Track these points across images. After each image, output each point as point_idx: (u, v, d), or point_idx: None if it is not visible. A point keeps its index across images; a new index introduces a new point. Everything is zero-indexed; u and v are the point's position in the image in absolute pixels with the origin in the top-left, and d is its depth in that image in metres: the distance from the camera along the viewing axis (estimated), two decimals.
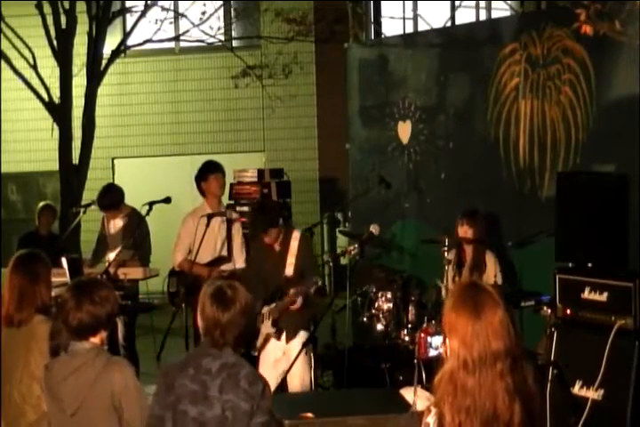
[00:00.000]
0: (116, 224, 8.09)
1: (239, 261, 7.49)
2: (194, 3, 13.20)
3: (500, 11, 9.50)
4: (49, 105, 11.94)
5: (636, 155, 6.25)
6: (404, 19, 9.80)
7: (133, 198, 8.19)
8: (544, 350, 5.81)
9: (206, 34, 12.84)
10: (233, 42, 13.50)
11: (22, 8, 12.41)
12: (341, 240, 12.32)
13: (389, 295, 7.26)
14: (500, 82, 7.63)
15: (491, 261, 6.99)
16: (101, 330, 3.99)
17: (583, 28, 6.21)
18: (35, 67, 11.98)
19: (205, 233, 7.10)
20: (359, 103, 9.42)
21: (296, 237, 6.65)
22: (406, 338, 6.99)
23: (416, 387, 4.37)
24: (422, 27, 9.60)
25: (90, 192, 10.43)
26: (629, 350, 5.19)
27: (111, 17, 12.18)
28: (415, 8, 9.82)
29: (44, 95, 11.89)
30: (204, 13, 12.91)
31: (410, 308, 7.12)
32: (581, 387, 5.36)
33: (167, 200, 7.44)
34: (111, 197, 8.03)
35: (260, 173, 10.72)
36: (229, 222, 7.51)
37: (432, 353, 6.29)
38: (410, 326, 7.04)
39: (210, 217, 7.21)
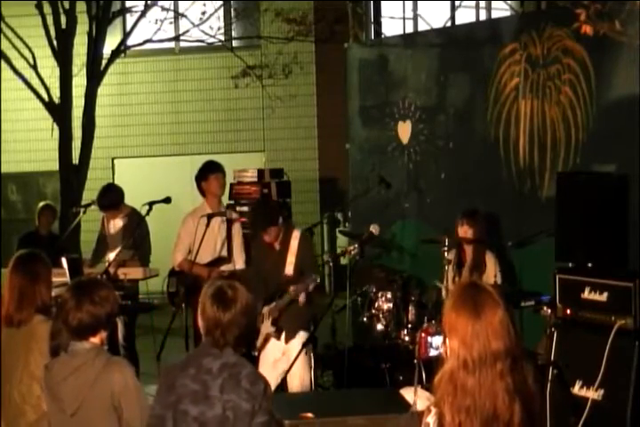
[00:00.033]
0: (116, 224, 8.10)
1: (239, 262, 7.50)
2: (194, 3, 13.20)
3: (500, 11, 9.49)
4: (49, 105, 11.94)
5: (636, 155, 6.25)
6: (404, 19, 9.79)
7: (133, 198, 8.18)
8: (544, 350, 5.81)
9: (206, 34, 12.84)
10: (233, 42, 13.51)
11: (22, 8, 12.41)
12: (341, 240, 12.32)
13: (389, 295, 7.26)
14: (500, 82, 7.63)
15: (491, 262, 6.99)
16: (101, 330, 3.99)
17: (583, 28, 6.21)
18: (35, 67, 11.98)
19: (205, 233, 7.10)
20: (359, 103, 9.42)
21: (296, 236, 6.65)
22: (406, 338, 6.99)
23: (416, 387, 4.36)
24: (422, 27, 9.60)
25: (90, 192, 10.43)
26: (629, 350, 5.19)
27: (111, 17, 12.18)
28: (415, 8, 9.81)
29: (44, 95, 11.89)
30: (204, 13, 12.91)
31: (410, 308, 7.12)
32: (581, 387, 5.36)
33: (167, 200, 7.43)
34: (111, 197, 8.04)
35: (260, 173, 10.72)
36: (229, 222, 7.51)
37: (432, 353, 6.30)
38: (410, 326, 7.04)
39: (210, 217, 7.21)
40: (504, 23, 8.00)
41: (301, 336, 6.50)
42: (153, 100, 14.52)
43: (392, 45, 9.22)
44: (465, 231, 6.99)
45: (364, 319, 7.37)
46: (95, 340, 3.97)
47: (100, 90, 12.19)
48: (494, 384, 3.10)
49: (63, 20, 11.78)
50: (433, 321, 6.60)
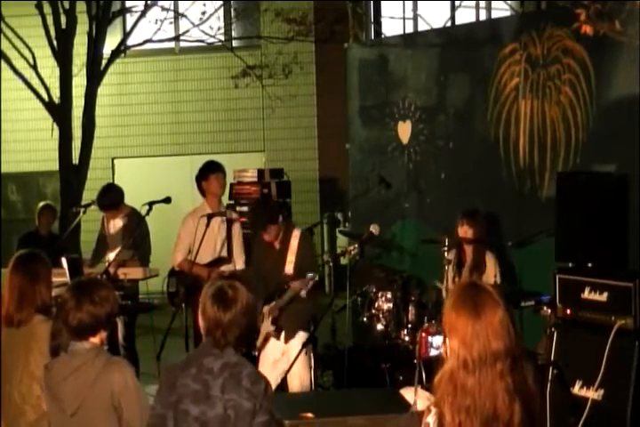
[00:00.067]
0: (116, 224, 8.10)
1: (239, 262, 7.50)
2: (194, 3, 13.20)
3: (500, 11, 9.49)
4: (49, 105, 11.94)
5: (636, 155, 6.25)
6: (404, 19, 9.79)
7: (133, 198, 8.18)
8: (544, 350, 5.81)
9: (206, 34, 12.84)
10: (233, 42, 13.51)
11: (22, 8, 12.41)
12: (341, 240, 12.32)
13: (389, 295, 7.26)
14: (500, 82, 7.63)
15: (491, 262, 6.99)
16: (101, 330, 3.99)
17: (583, 28, 6.21)
18: (35, 67, 11.98)
19: (205, 233, 7.10)
20: (359, 103, 9.42)
21: (296, 235, 6.66)
22: (406, 338, 6.99)
23: (416, 387, 4.36)
24: (422, 27, 9.60)
25: (90, 192, 10.43)
26: (629, 350, 5.19)
27: (111, 17, 12.18)
28: (415, 8, 9.81)
29: (44, 95, 11.89)
30: (204, 13, 12.91)
31: (410, 308, 7.12)
32: (581, 387, 5.36)
33: (167, 200, 7.43)
34: (111, 197, 8.04)
35: (260, 173, 10.73)
36: (229, 222, 7.50)
37: (433, 353, 6.29)
38: (410, 326, 7.04)
39: (210, 217, 7.21)
40: (504, 23, 8.00)
41: (301, 336, 6.51)
42: (153, 100, 14.52)
43: (392, 45, 9.22)
44: (465, 231, 6.99)
45: (364, 319, 7.37)
46: (95, 340, 3.97)
47: (100, 90, 12.19)
48: (494, 384, 3.10)
49: (63, 20, 11.78)
50: (433, 321, 6.60)
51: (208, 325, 3.63)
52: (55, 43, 11.83)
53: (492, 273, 6.94)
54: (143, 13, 12.47)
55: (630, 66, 6.45)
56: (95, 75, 12.00)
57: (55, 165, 12.14)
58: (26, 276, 4.59)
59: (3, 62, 12.01)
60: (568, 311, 5.63)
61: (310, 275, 6.23)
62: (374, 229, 7.04)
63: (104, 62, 12.09)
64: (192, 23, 12.79)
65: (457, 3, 9.37)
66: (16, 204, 15.02)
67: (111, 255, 7.92)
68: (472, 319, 3.13)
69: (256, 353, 6.52)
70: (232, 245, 7.50)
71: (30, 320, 4.53)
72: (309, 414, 4.68)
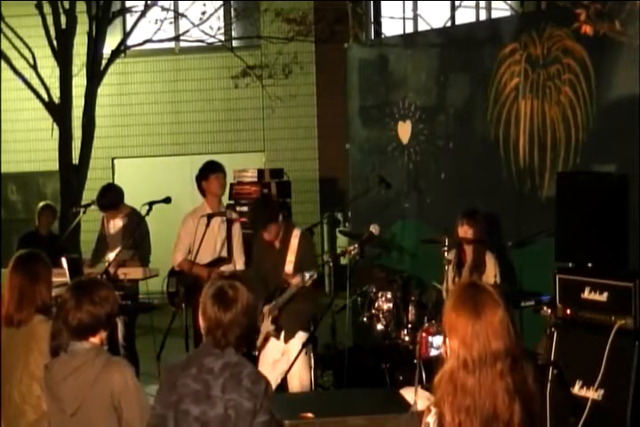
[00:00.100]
0: (116, 224, 8.10)
1: (239, 263, 7.50)
2: (194, 3, 13.20)
3: (500, 11, 9.49)
4: (49, 105, 11.93)
5: (636, 155, 6.25)
6: (404, 19, 9.79)
7: (133, 198, 8.18)
8: (544, 350, 5.81)
9: (206, 34, 12.84)
10: (233, 42, 13.50)
11: (22, 8, 12.41)
12: (341, 240, 12.32)
13: (389, 295, 7.25)
14: (500, 82, 7.63)
15: (490, 262, 6.99)
16: (101, 330, 3.99)
17: (583, 28, 6.21)
18: (35, 67, 11.97)
19: (205, 233, 7.10)
20: (359, 103, 9.42)
21: (296, 234, 6.67)
22: (406, 338, 6.99)
23: (417, 387, 4.36)
24: (422, 27, 9.60)
25: (90, 192, 10.43)
26: (629, 350, 5.19)
27: (111, 17, 12.18)
28: (415, 8, 9.81)
29: (44, 95, 11.89)
30: (204, 13, 12.91)
31: (410, 308, 7.12)
32: (581, 387, 5.36)
33: (167, 200, 7.43)
34: (111, 197, 8.04)
35: (260, 173, 10.73)
36: (229, 222, 7.50)
37: (433, 353, 6.29)
38: (410, 326, 7.04)
39: (210, 217, 7.21)
40: (504, 23, 8.00)
41: (301, 337, 6.51)
42: (153, 100, 14.52)
43: (392, 45, 9.22)
44: (465, 231, 6.99)
45: (364, 319, 7.36)
46: (95, 340, 3.97)
47: (100, 90, 12.19)
48: (494, 384, 3.10)
49: (63, 20, 11.78)
50: (433, 321, 6.59)
51: (208, 325, 3.63)
52: (55, 43, 11.83)
53: (491, 273, 6.94)
54: (143, 13, 12.47)
55: (630, 66, 6.45)
56: (95, 75, 11.99)
57: (55, 165, 12.14)
58: (26, 276, 4.60)
59: (3, 62, 12.01)
60: (568, 311, 5.63)
61: (308, 273, 6.23)
62: (374, 229, 7.04)
63: (104, 62, 12.09)
64: (192, 23, 12.79)
65: (457, 3, 9.37)
66: (16, 204, 15.02)
67: (111, 255, 7.91)
68: (472, 319, 3.13)
69: (256, 353, 6.52)
70: (232, 246, 7.50)
71: (30, 320, 4.53)
72: (309, 414, 4.68)
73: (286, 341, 6.58)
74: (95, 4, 11.97)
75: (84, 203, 9.06)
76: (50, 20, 11.79)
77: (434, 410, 3.18)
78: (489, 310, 3.14)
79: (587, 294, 5.52)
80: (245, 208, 9.85)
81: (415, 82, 8.69)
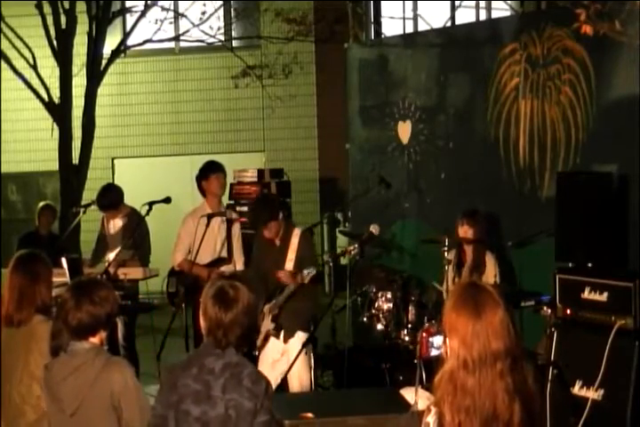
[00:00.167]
0: (116, 224, 8.10)
1: (239, 263, 7.50)
2: (194, 3, 13.20)
3: (500, 11, 9.49)
4: (49, 105, 11.93)
5: (637, 155, 6.25)
6: (404, 19, 9.79)
7: (133, 198, 8.18)
8: (544, 350, 5.81)
9: (206, 34, 12.84)
10: (233, 42, 13.50)
11: (22, 8, 12.41)
12: (341, 240, 12.32)
13: (389, 295, 7.25)
14: (500, 82, 7.63)
15: (490, 262, 6.99)
16: (101, 330, 3.99)
17: (583, 28, 6.21)
18: (35, 67, 11.97)
19: (205, 233, 7.10)
20: (359, 103, 9.42)
21: (297, 233, 6.68)
22: (406, 338, 6.99)
23: (417, 387, 4.37)
24: (422, 27, 9.60)
25: (90, 192, 10.43)
26: (629, 350, 5.19)
27: (111, 17, 12.18)
28: (415, 8, 9.81)
29: (44, 95, 11.89)
30: (204, 13, 12.91)
31: (410, 308, 7.12)
32: (581, 387, 5.36)
33: (167, 200, 7.43)
34: (110, 197, 8.04)
35: (260, 173, 10.73)
36: (229, 222, 7.51)
37: (434, 353, 6.29)
38: (410, 326, 7.04)
39: (210, 217, 7.21)
40: (504, 23, 8.00)
41: (300, 337, 6.51)
42: (153, 100, 14.52)
43: (392, 45, 9.22)
44: (465, 231, 6.99)
45: (364, 319, 7.36)
46: (95, 340, 3.97)
47: (100, 90, 12.19)
48: (494, 384, 3.10)
49: (63, 20, 11.78)
50: (433, 321, 6.59)
51: (209, 325, 3.63)
52: (55, 43, 11.83)
53: (491, 273, 6.94)
54: (143, 13, 12.46)
55: (630, 66, 6.45)
56: (95, 75, 11.99)
57: (55, 165, 12.13)
58: (26, 276, 4.59)
59: (3, 62, 12.00)
60: (568, 311, 5.63)
61: (306, 270, 6.22)
62: (374, 229, 7.04)
63: (104, 62, 12.09)
64: (192, 23, 12.79)
65: (457, 3, 9.37)
66: (16, 204, 15.01)
67: (111, 255, 7.91)
68: (472, 319, 3.13)
69: (256, 353, 6.52)
70: (232, 246, 7.50)
71: (30, 320, 4.53)
72: (309, 414, 4.68)
73: (285, 340, 6.58)
74: (95, 4, 11.97)
75: (84, 203, 9.05)
76: (50, 20, 11.79)
77: (434, 410, 3.18)
78: (489, 310, 3.14)
79: (587, 294, 5.52)
80: (245, 208, 9.85)
81: (415, 82, 8.69)
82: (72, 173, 11.84)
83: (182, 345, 7.16)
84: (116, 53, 12.28)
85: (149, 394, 4.15)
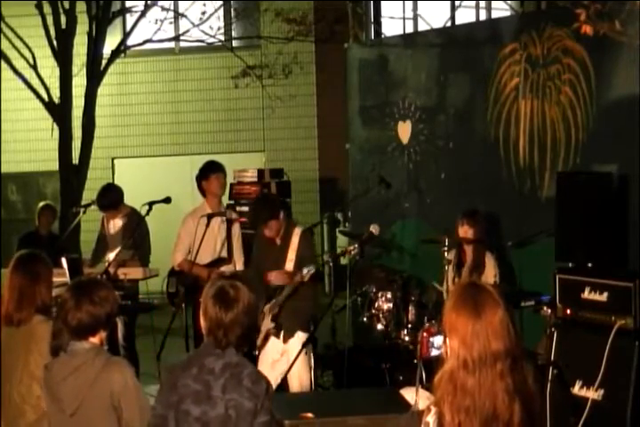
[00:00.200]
0: (116, 224, 8.10)
1: (239, 263, 7.50)
2: (194, 3, 13.20)
3: (500, 11, 9.49)
4: (49, 105, 11.93)
5: (637, 155, 6.25)
6: (404, 19, 9.79)
7: (133, 198, 8.18)
8: (544, 350, 5.81)
9: (206, 34, 12.84)
10: (233, 42, 13.50)
11: (22, 8, 12.41)
12: (341, 240, 12.32)
13: (389, 295, 7.25)
14: (500, 82, 7.63)
15: (490, 263, 6.99)
16: (101, 330, 3.99)
17: (583, 28, 6.21)
18: (35, 67, 11.97)
19: (205, 233, 7.10)
20: (359, 103, 9.42)
21: (297, 233, 6.67)
22: (406, 338, 6.98)
23: (418, 386, 4.37)
24: (422, 27, 9.60)
25: (90, 192, 10.43)
26: (629, 350, 5.19)
27: (111, 17, 12.18)
28: (415, 8, 9.81)
29: (44, 95, 11.89)
30: (204, 13, 12.91)
31: (410, 308, 7.11)
32: (581, 387, 5.36)
33: (167, 200, 7.43)
34: (110, 197, 8.04)
35: (260, 173, 10.73)
36: (229, 222, 7.51)
37: (434, 353, 6.29)
38: (410, 326, 7.04)
39: (210, 217, 7.21)
40: (504, 23, 8.00)
41: (300, 337, 6.50)
42: (153, 100, 14.52)
43: (392, 45, 9.22)
44: (465, 231, 6.99)
45: (364, 319, 7.36)
46: (95, 340, 3.97)
47: (100, 90, 12.19)
48: (494, 384, 3.10)
49: (63, 20, 11.78)
50: (433, 321, 6.59)
51: (209, 325, 3.63)
52: (55, 43, 11.83)
53: (491, 273, 6.94)
54: (143, 13, 12.47)
55: (630, 66, 6.45)
56: (95, 75, 11.99)
57: (55, 165, 12.13)
58: (26, 276, 4.60)
59: (3, 62, 12.01)
60: (568, 311, 5.63)
61: (306, 269, 6.22)
62: (374, 229, 7.03)
63: (104, 62, 12.09)
64: (192, 23, 12.79)
65: (457, 3, 9.37)
66: (16, 204, 15.01)
67: (111, 255, 7.91)
68: (472, 319, 3.13)
69: (256, 353, 6.52)
70: (232, 246, 7.50)
71: (30, 320, 4.53)
72: (309, 414, 4.68)
73: (285, 340, 6.58)
74: (95, 4, 11.97)
75: (84, 203, 9.06)
76: (50, 20, 11.79)
77: (434, 410, 3.18)
78: (489, 310, 3.15)
79: (587, 294, 5.52)
80: (245, 208, 9.84)
81: (415, 82, 8.69)
82: (72, 173, 11.84)
83: (182, 345, 7.16)
84: (115, 53, 12.28)
85: (149, 394, 4.15)
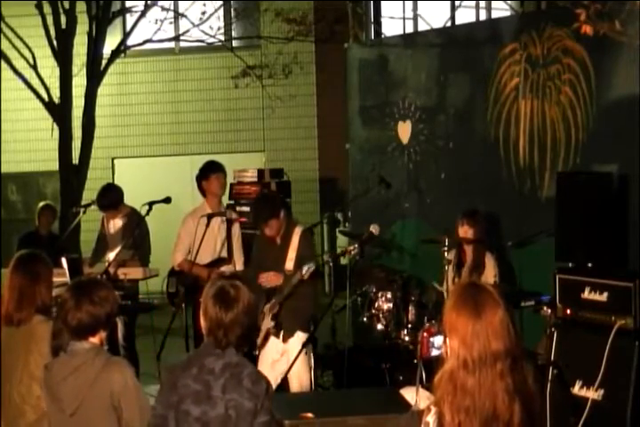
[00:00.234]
0: (116, 224, 8.10)
1: (239, 263, 7.50)
2: (194, 3, 13.20)
3: (500, 11, 9.49)
4: (49, 105, 11.94)
5: (637, 155, 6.25)
6: (404, 19, 9.79)
7: (133, 198, 8.19)
8: (544, 350, 5.81)
9: (206, 34, 12.84)
10: (233, 42, 13.50)
11: (22, 8, 12.41)
12: (341, 240, 12.32)
13: (389, 295, 7.25)
14: (500, 82, 7.63)
15: (490, 263, 6.99)
16: (101, 330, 3.99)
17: (583, 28, 6.21)
18: (35, 67, 11.98)
19: (205, 233, 7.10)
20: (359, 103, 9.42)
21: (298, 232, 6.67)
22: (406, 338, 6.99)
23: (418, 386, 4.37)
24: (422, 27, 9.60)
25: (90, 192, 10.43)
26: (629, 350, 5.19)
27: (111, 17, 12.18)
28: (415, 8, 9.81)
29: (44, 95, 11.89)
30: (204, 13, 12.91)
31: (410, 308, 7.12)
32: (581, 387, 5.36)
33: (167, 200, 7.43)
34: (110, 197, 8.04)
35: (260, 173, 10.72)
36: (229, 222, 7.50)
37: (434, 353, 6.29)
38: (410, 326, 7.04)
39: (210, 217, 7.21)
40: (504, 23, 8.00)
41: (300, 337, 6.50)
42: (153, 100, 14.52)
43: (392, 45, 9.22)
44: (465, 231, 6.99)
45: (364, 319, 7.36)
46: (94, 340, 3.97)
47: (100, 90, 12.19)
48: (494, 384, 3.10)
49: (63, 20, 11.78)
50: (433, 321, 6.59)
51: (210, 325, 3.63)
52: (55, 43, 11.83)
53: (490, 274, 6.94)
54: (143, 13, 12.47)
55: (630, 66, 6.45)
56: (95, 75, 11.99)
57: (55, 165, 12.14)
58: (26, 276, 4.59)
59: (3, 62, 12.01)
60: (568, 311, 5.63)
61: (306, 266, 6.22)
62: (374, 229, 7.03)
63: (104, 62, 12.09)
64: (192, 23, 12.79)
65: (457, 3, 9.37)
66: (16, 204, 15.02)
67: (111, 255, 7.92)
68: (472, 319, 3.13)
69: (257, 353, 6.52)
70: (232, 246, 7.50)
71: (30, 320, 4.53)
72: (309, 414, 4.68)
73: (285, 340, 6.57)
74: (95, 4, 11.97)
75: (84, 203, 9.06)
76: (50, 20, 11.79)
77: (434, 409, 3.18)
78: (489, 310, 3.15)
79: (587, 294, 5.52)
80: (245, 208, 9.84)
81: (415, 82, 8.69)
82: (72, 173, 11.84)
83: (182, 345, 7.16)
84: (115, 53, 12.28)
85: (149, 394, 4.15)
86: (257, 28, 13.82)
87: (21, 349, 4.48)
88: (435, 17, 9.82)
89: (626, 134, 6.45)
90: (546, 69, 7.19)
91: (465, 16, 9.58)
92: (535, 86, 7.30)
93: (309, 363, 6.62)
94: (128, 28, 12.94)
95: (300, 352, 6.15)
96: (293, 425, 4.61)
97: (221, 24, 13.25)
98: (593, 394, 5.28)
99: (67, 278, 7.07)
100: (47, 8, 11.84)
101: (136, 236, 7.64)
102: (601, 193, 5.86)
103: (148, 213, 7.25)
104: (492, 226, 7.33)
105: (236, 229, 7.60)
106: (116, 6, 12.67)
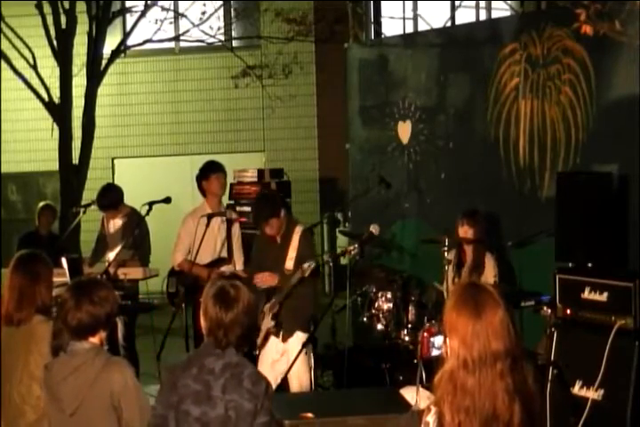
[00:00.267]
0: (116, 224, 8.10)
1: (239, 263, 7.50)
2: (194, 3, 13.20)
3: (500, 11, 9.49)
4: (49, 105, 11.94)
5: (637, 155, 6.25)
6: (404, 19, 9.79)
7: (133, 198, 8.19)
8: (544, 350, 5.81)
9: (206, 34, 12.84)
10: (233, 42, 13.51)
11: (22, 8, 12.41)
12: (341, 240, 12.32)
13: (389, 295, 7.25)
14: (500, 82, 7.63)
15: (490, 263, 6.98)
16: (100, 330, 3.99)
17: (583, 28, 6.21)
18: (35, 67, 11.98)
19: (205, 233, 7.10)
20: (359, 103, 9.42)
21: (298, 231, 6.67)
22: (406, 338, 6.99)
23: (418, 386, 4.37)
24: (422, 27, 9.60)
25: (90, 192, 10.44)
26: (629, 350, 5.19)
27: (111, 17, 12.19)
28: (415, 8, 9.81)
29: (44, 95, 11.89)
30: (204, 13, 12.91)
31: (410, 308, 7.12)
32: (581, 387, 5.36)
33: (167, 200, 7.43)
34: (110, 197, 8.04)
35: (260, 173, 10.72)
36: (229, 222, 7.51)
37: (435, 353, 6.29)
38: (410, 326, 7.04)
39: (210, 217, 7.21)
40: (504, 23, 8.00)
41: (300, 337, 6.50)
42: (153, 100, 14.52)
43: (392, 45, 9.22)
44: (465, 231, 6.99)
45: (364, 319, 7.36)
46: (94, 340, 3.97)
47: (100, 90, 12.19)
48: (494, 384, 3.10)
49: (63, 20, 11.79)
50: (433, 321, 6.60)
51: (210, 325, 3.63)
52: (55, 43, 11.83)
53: (490, 274, 6.94)
54: (143, 13, 12.47)
55: (630, 66, 6.45)
56: (95, 75, 12.00)
57: (55, 165, 12.14)
58: (26, 276, 4.59)
59: (3, 62, 12.01)
60: (568, 311, 5.63)
61: (307, 264, 6.22)
62: (374, 229, 7.03)
63: (104, 62, 12.09)
64: (192, 23, 12.79)
65: (457, 3, 9.37)
66: (16, 204, 15.02)
67: (111, 255, 7.92)
68: (472, 319, 3.14)
69: (257, 352, 6.52)
70: (232, 246, 7.50)
71: (30, 320, 4.53)
72: (309, 415, 4.68)
73: (285, 340, 6.57)
74: (95, 4, 11.97)
75: (84, 203, 9.06)
76: (50, 20, 11.79)
77: (434, 409, 3.18)
78: (489, 310, 3.15)
79: (587, 294, 5.52)
80: (245, 208, 9.84)
81: (415, 82, 8.69)
82: (72, 173, 11.84)
83: (182, 345, 7.17)
84: (115, 53, 12.28)
85: (149, 394, 4.15)
86: (257, 28, 13.82)
87: (21, 349, 4.48)
88: (435, 17, 9.82)
89: (626, 134, 6.45)
90: (546, 69, 7.19)
91: (465, 16, 9.59)
92: (535, 86, 7.30)
93: (309, 363, 6.62)
94: (128, 28, 12.94)
95: (299, 352, 6.15)
96: (293, 425, 4.61)
97: (221, 24, 13.25)
98: (593, 394, 5.28)
99: (67, 278, 7.07)
100: (47, 8, 11.84)
101: (136, 236, 7.64)
102: (601, 193, 5.86)
103: (147, 213, 7.26)
104: (492, 226, 7.33)
105: (235, 229, 7.60)
106: (116, 6, 12.67)
